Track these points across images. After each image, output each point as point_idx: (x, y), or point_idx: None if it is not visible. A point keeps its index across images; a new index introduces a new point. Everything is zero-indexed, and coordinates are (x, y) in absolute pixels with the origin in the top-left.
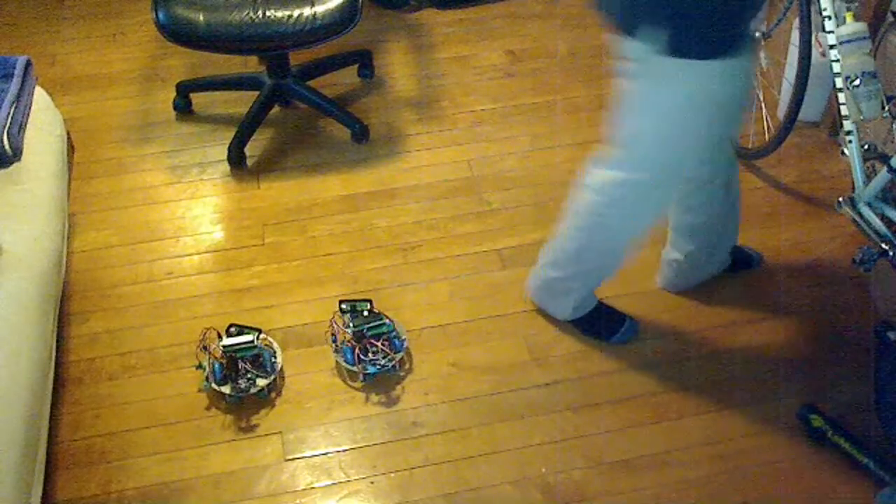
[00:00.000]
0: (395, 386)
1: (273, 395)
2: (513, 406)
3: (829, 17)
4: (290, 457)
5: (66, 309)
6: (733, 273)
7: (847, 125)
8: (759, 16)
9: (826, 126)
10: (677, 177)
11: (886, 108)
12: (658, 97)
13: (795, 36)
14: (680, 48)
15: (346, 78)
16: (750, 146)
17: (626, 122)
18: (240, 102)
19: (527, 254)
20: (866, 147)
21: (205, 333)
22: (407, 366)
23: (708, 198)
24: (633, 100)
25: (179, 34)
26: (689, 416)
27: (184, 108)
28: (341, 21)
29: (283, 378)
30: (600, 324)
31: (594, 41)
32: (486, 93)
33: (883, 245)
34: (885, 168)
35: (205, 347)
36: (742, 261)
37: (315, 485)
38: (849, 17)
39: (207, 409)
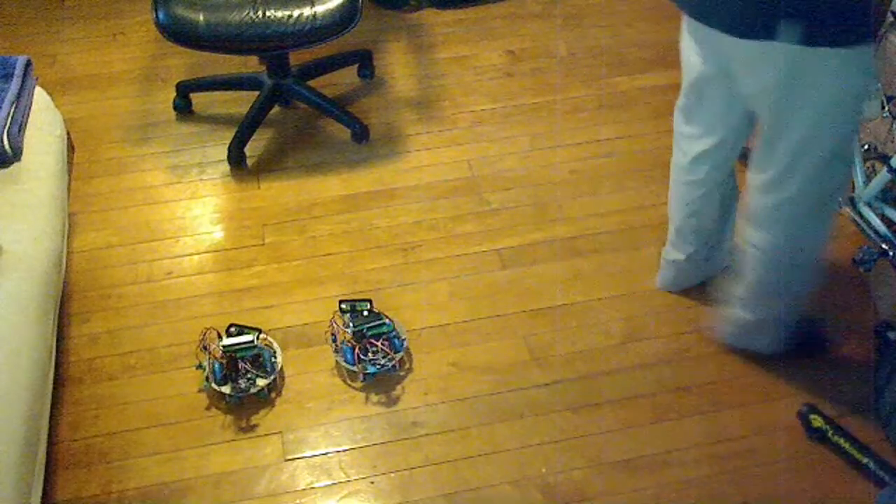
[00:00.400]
0: (395, 386)
1: (273, 395)
2: (513, 406)
3: None
4: (290, 457)
5: (66, 309)
6: (733, 273)
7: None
8: None
9: None
10: (846, 179)
11: (886, 108)
12: (814, 98)
13: None
14: (834, 35)
15: (346, 78)
16: (750, 146)
17: (780, 136)
18: (240, 102)
19: (527, 254)
20: (866, 147)
21: (205, 333)
22: (407, 366)
23: (713, 200)
24: (786, 110)
25: (179, 34)
26: (689, 416)
27: (184, 108)
28: (341, 21)
29: (283, 378)
30: (810, 341)
31: (594, 41)
32: (486, 93)
33: (883, 245)
34: (885, 168)
35: (205, 347)
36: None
37: (315, 485)
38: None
39: (207, 409)
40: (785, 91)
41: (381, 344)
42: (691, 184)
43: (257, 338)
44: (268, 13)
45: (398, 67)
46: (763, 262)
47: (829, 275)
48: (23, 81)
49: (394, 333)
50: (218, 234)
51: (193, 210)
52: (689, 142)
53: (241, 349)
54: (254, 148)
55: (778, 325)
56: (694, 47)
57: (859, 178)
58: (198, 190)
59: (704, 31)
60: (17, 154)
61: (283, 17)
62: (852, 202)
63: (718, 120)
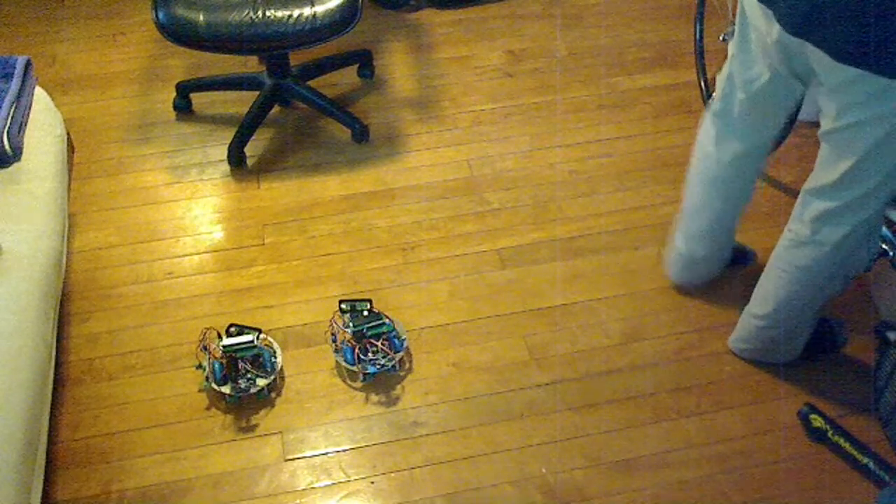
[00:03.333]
0: (395, 386)
1: (273, 395)
2: (513, 406)
3: None
4: (290, 457)
5: (66, 309)
6: (731, 267)
7: None
8: None
9: None
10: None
11: None
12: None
13: None
14: None
15: (346, 78)
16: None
17: (865, 161)
18: (240, 102)
19: (526, 254)
20: None
21: (205, 333)
22: (407, 366)
23: (734, 201)
24: (883, 138)
25: (179, 34)
26: (689, 416)
27: (184, 108)
28: (341, 21)
29: (283, 378)
30: (824, 341)
31: (594, 41)
32: (486, 93)
33: (883, 245)
34: None
35: (205, 347)
36: (739, 256)
37: (315, 485)
38: None
39: (207, 409)
40: (862, 117)
41: (381, 344)
42: (719, 186)
43: (257, 338)
44: (268, 13)
45: (398, 67)
46: (804, 283)
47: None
48: (23, 81)
49: (394, 333)
50: (218, 234)
51: (193, 210)
52: (727, 145)
53: (241, 349)
54: (254, 148)
55: (800, 337)
56: (763, 58)
57: None
58: (198, 190)
59: (795, 44)
60: (17, 154)
61: (283, 17)
62: None
63: (765, 127)
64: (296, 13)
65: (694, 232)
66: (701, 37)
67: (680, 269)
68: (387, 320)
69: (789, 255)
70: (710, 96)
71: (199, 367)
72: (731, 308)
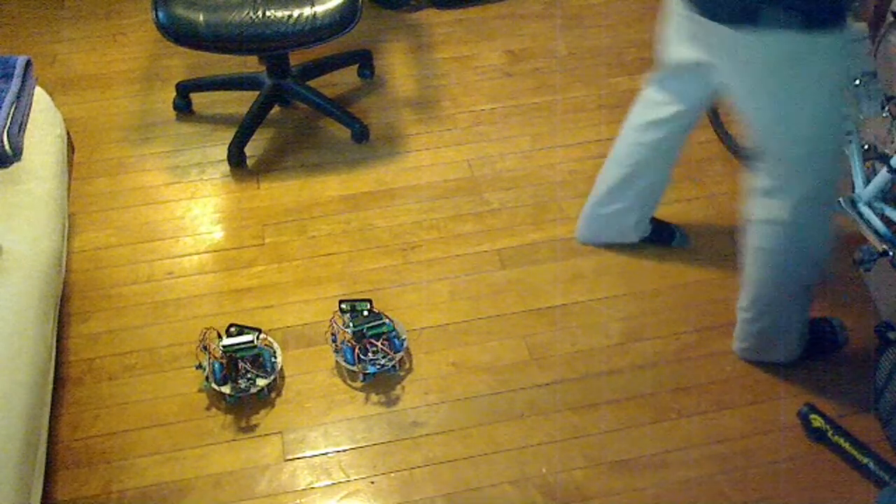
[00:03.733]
0: (395, 386)
1: (273, 395)
2: (513, 406)
3: None
4: (290, 457)
5: (66, 309)
6: (656, 244)
7: (847, 125)
8: None
9: None
10: (839, 170)
11: (886, 108)
12: (800, 86)
13: None
14: (816, 19)
15: (346, 78)
16: (750, 146)
17: (772, 133)
18: (240, 102)
19: (526, 254)
20: (866, 147)
21: (205, 333)
22: (407, 366)
23: (657, 165)
24: (774, 106)
25: (179, 34)
26: (689, 416)
27: (184, 108)
28: (341, 21)
29: (283, 378)
30: (824, 340)
31: (594, 41)
32: (486, 93)
33: (883, 245)
34: (885, 168)
35: (205, 347)
36: (664, 233)
37: (315, 485)
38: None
39: (207, 409)
40: (762, 78)
41: (381, 344)
42: (643, 146)
43: (257, 338)
44: (268, 13)
45: (398, 67)
46: (770, 265)
47: (829, 275)
48: (23, 81)
49: (394, 333)
50: (218, 234)
51: (193, 210)
52: (656, 108)
53: (241, 349)
54: (254, 148)
55: (790, 331)
56: (679, 36)
57: (859, 179)
58: (198, 190)
59: (693, 19)
60: (17, 154)
61: (283, 17)
62: (852, 202)
63: (689, 95)
64: (296, 13)
65: (601, 192)
66: None
67: (583, 226)
68: (387, 320)
69: (750, 237)
70: None
71: (199, 367)
72: (731, 308)
